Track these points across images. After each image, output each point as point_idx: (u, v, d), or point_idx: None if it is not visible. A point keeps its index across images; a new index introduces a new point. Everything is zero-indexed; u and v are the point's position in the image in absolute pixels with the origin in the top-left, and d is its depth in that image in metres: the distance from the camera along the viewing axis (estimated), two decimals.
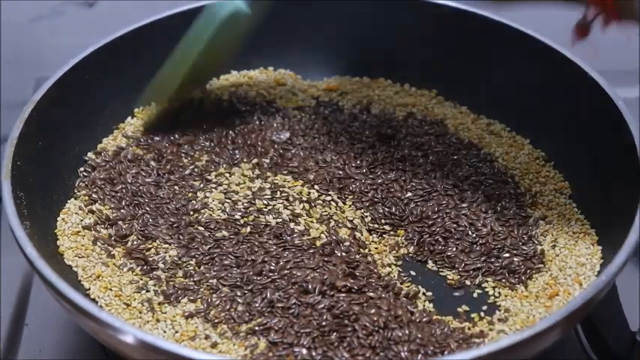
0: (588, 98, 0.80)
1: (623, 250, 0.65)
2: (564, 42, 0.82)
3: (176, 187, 0.80)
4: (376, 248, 0.77)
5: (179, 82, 0.85)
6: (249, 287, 0.71)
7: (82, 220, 0.77)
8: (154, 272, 0.73)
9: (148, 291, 0.71)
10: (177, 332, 0.68)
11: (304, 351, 0.65)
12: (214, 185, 0.81)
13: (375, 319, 0.67)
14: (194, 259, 0.74)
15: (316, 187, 0.81)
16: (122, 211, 0.78)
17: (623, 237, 0.66)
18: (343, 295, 0.69)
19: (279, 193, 0.79)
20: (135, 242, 0.75)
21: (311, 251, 0.74)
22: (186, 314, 0.69)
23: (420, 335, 0.66)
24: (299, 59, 0.96)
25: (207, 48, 0.83)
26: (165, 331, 0.68)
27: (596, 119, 0.79)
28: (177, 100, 0.88)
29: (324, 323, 0.67)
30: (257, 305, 0.69)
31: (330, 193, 0.81)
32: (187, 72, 0.84)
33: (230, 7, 0.81)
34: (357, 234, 0.77)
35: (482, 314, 0.71)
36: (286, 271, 0.71)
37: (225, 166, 0.83)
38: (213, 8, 0.82)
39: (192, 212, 0.77)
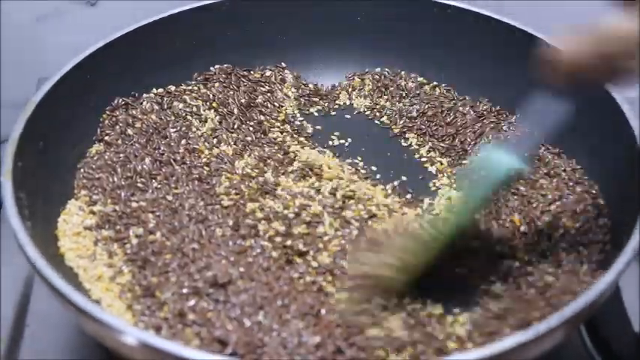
0: (589, 98, 0.79)
1: (627, 250, 0.64)
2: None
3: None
4: None
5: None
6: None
7: (82, 221, 0.76)
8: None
9: None
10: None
11: None
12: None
13: None
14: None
15: None
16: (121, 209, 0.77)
17: (626, 237, 0.65)
18: None
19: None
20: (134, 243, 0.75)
21: None
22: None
23: None
24: (300, 59, 0.95)
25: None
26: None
27: (597, 119, 0.78)
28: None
29: None
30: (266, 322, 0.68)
31: None
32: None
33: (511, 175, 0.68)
34: None
35: None
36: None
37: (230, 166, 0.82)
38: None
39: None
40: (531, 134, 0.67)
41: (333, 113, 0.92)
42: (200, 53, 0.91)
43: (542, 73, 0.63)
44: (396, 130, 0.89)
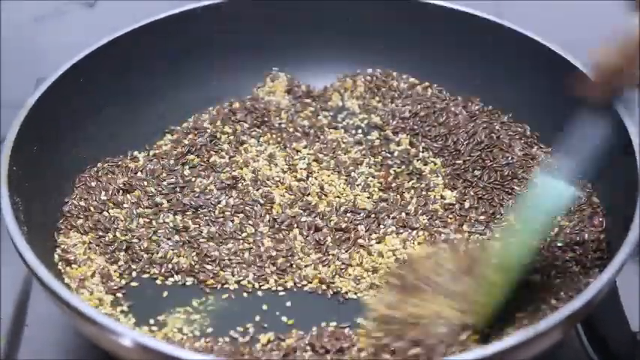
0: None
1: (623, 249, 0.62)
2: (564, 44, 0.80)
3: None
4: None
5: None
6: None
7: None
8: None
9: None
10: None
11: None
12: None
13: None
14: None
15: None
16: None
17: (622, 235, 0.64)
18: None
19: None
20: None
21: None
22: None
23: None
24: (291, 61, 0.93)
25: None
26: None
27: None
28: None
29: None
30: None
31: None
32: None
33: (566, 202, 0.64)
34: None
35: None
36: None
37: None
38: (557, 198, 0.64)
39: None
40: (577, 159, 0.63)
41: (326, 114, 0.90)
42: (198, 54, 0.89)
43: (579, 96, 0.62)
44: (388, 131, 0.86)
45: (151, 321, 0.68)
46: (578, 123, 0.63)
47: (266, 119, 0.87)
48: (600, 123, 0.62)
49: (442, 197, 0.78)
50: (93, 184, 0.78)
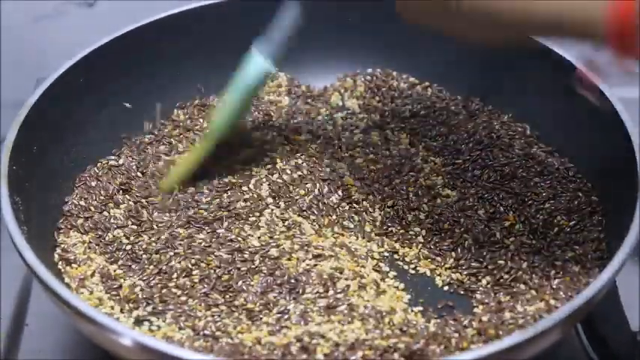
0: (587, 99, 0.77)
1: (623, 248, 0.62)
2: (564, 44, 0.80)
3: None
4: None
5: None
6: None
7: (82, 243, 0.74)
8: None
9: None
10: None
11: None
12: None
13: None
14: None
15: None
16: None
17: (623, 235, 0.63)
18: None
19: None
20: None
21: None
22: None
23: None
24: (290, 60, 0.91)
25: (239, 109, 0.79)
26: None
27: (590, 118, 0.76)
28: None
29: None
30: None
31: None
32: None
33: (261, 74, 0.77)
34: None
35: None
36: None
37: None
38: (247, 74, 0.77)
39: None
40: (276, 38, 0.76)
41: (326, 113, 0.90)
42: (198, 54, 0.89)
43: None
44: (388, 131, 0.86)
45: None
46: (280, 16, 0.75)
47: (266, 119, 0.87)
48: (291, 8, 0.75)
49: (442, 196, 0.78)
50: (93, 184, 0.78)
